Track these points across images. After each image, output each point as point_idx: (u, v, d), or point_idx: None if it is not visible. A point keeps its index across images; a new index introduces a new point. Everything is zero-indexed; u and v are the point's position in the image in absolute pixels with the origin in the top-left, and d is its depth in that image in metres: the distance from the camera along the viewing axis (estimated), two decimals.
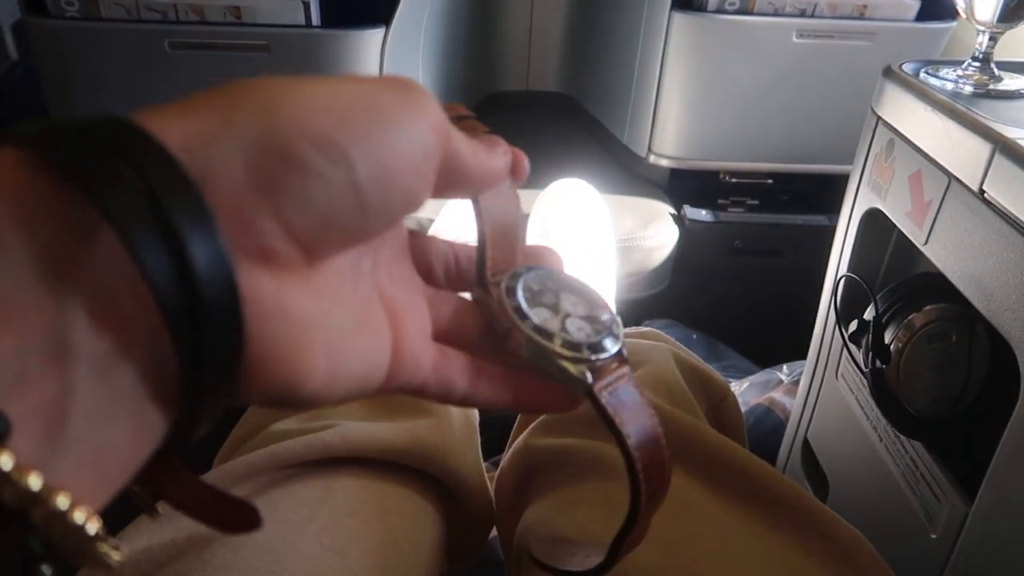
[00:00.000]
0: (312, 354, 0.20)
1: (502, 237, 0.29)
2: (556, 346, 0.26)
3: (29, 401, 0.15)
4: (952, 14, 1.04)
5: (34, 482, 0.15)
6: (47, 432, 0.16)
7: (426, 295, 0.28)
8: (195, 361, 0.17)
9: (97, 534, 0.16)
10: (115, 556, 0.17)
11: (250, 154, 0.18)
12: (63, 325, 0.16)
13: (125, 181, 0.16)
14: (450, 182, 0.24)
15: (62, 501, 0.15)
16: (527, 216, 0.31)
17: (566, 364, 0.26)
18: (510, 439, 0.58)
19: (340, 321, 0.22)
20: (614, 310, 0.29)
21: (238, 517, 0.23)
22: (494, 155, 0.26)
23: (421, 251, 0.29)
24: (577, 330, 0.27)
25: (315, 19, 0.91)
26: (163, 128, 0.17)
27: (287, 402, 0.20)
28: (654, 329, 0.67)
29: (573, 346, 0.26)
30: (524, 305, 0.27)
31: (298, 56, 0.91)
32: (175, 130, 0.18)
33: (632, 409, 0.27)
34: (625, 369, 0.27)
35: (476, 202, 0.28)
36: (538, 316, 0.27)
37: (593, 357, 0.27)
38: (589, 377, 0.26)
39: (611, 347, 0.27)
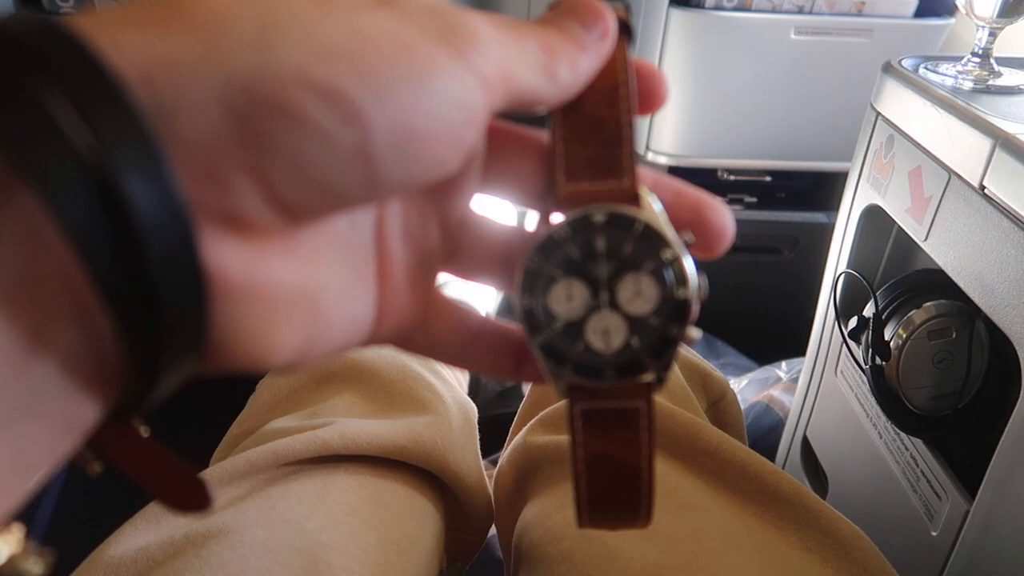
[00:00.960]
0: (286, 332, 0.17)
1: (587, 147, 0.21)
2: (535, 344, 0.21)
3: None
4: (950, 11, 1.04)
5: None
6: None
7: (449, 219, 0.22)
8: (146, 344, 0.14)
9: (13, 555, 0.14)
10: (37, 569, 0.15)
11: (234, 98, 0.14)
12: None
13: (51, 121, 0.12)
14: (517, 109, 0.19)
15: None
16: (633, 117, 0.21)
17: (544, 366, 0.21)
18: (509, 436, 0.58)
19: (325, 286, 0.18)
20: (694, 331, 0.21)
21: (189, 492, 0.20)
22: (579, 58, 0.20)
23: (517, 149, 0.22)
24: (601, 332, 0.20)
25: None
26: (118, 44, 0.13)
27: (253, 373, 0.17)
28: None
29: (556, 355, 0.21)
30: (542, 271, 0.20)
31: None
32: (135, 53, 0.14)
33: (607, 445, 0.21)
34: (636, 404, 0.21)
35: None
36: (558, 292, 0.20)
37: (576, 379, 0.21)
38: (566, 390, 0.21)
39: (620, 374, 0.21)
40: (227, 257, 0.15)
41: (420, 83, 0.16)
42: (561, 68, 0.19)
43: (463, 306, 0.23)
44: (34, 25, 0.13)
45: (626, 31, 0.21)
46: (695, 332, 0.21)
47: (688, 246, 0.21)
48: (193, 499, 0.20)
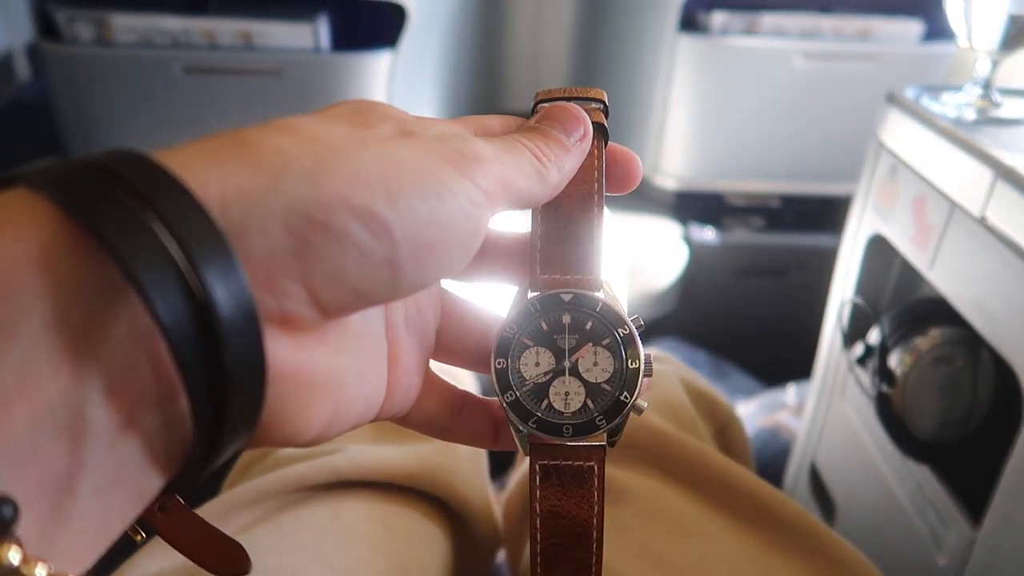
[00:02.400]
0: (317, 410, 0.20)
1: (561, 245, 0.24)
2: (504, 401, 0.24)
3: (37, 477, 0.15)
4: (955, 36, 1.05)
5: (40, 573, 0.14)
6: (52, 508, 0.15)
7: (438, 313, 0.26)
8: (213, 425, 0.16)
9: None
10: None
11: (291, 220, 0.17)
12: (79, 397, 0.15)
13: (154, 239, 0.15)
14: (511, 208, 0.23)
15: None
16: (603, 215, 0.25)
17: (511, 422, 0.24)
18: (517, 461, 0.59)
19: (347, 371, 0.21)
20: (642, 402, 0.24)
21: (228, 557, 0.22)
22: (564, 160, 0.24)
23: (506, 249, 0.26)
24: (563, 395, 0.24)
25: (324, 44, 0.92)
26: (200, 178, 0.16)
27: (284, 447, 0.20)
28: (661, 351, 0.67)
29: (522, 413, 0.24)
30: (515, 338, 0.24)
31: (308, 79, 0.92)
32: (214, 184, 0.17)
33: (562, 501, 0.24)
34: (590, 463, 0.24)
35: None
36: (528, 358, 0.24)
37: (537, 435, 0.24)
38: (528, 447, 0.24)
39: (576, 432, 0.24)
40: (278, 349, 0.18)
41: (438, 200, 0.19)
42: (550, 171, 0.23)
43: (449, 383, 0.26)
44: (135, 162, 0.16)
45: (601, 131, 0.25)
46: (642, 403, 0.24)
47: (639, 328, 0.24)
48: (234, 562, 0.22)
